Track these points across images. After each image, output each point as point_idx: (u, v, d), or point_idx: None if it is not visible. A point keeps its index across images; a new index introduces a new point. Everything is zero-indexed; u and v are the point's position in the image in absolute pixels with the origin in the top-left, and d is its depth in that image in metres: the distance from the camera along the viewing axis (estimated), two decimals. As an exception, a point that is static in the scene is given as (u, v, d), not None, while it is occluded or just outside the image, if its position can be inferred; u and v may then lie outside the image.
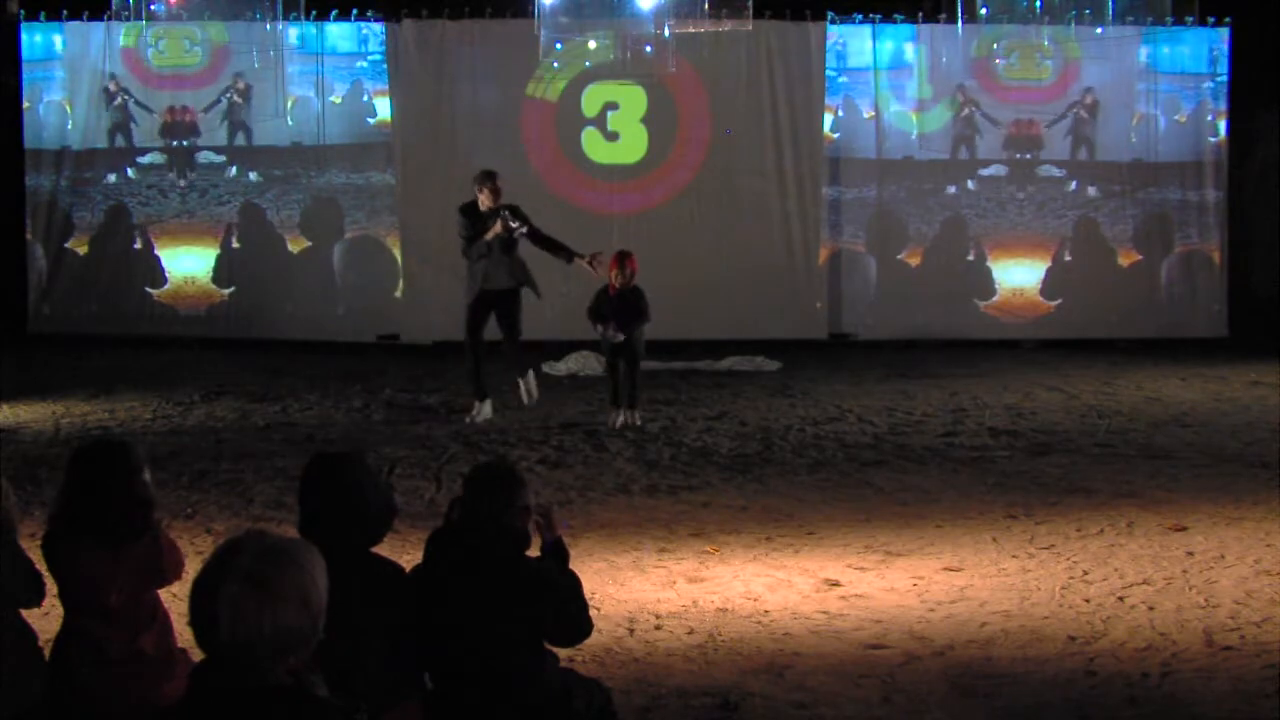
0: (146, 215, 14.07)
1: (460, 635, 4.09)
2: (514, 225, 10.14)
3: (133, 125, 14.00)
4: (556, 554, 4.41)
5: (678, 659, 5.63)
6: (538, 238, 10.36)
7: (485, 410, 10.41)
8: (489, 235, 10.12)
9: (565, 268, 13.51)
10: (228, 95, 13.94)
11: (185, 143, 13.94)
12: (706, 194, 13.85)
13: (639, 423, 10.11)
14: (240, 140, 14.01)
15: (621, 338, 9.96)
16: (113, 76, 13.92)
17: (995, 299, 14.22)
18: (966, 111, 14.06)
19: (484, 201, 10.22)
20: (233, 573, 2.55)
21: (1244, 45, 14.02)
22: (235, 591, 2.53)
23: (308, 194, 14.01)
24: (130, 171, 14.02)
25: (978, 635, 5.89)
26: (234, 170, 13.99)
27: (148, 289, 14.06)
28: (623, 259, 10.10)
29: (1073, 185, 14.21)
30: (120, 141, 14.01)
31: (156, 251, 14.05)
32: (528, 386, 10.58)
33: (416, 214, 13.74)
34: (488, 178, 10.29)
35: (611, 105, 13.83)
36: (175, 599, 4.52)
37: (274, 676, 2.56)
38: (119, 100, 13.95)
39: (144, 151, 14.04)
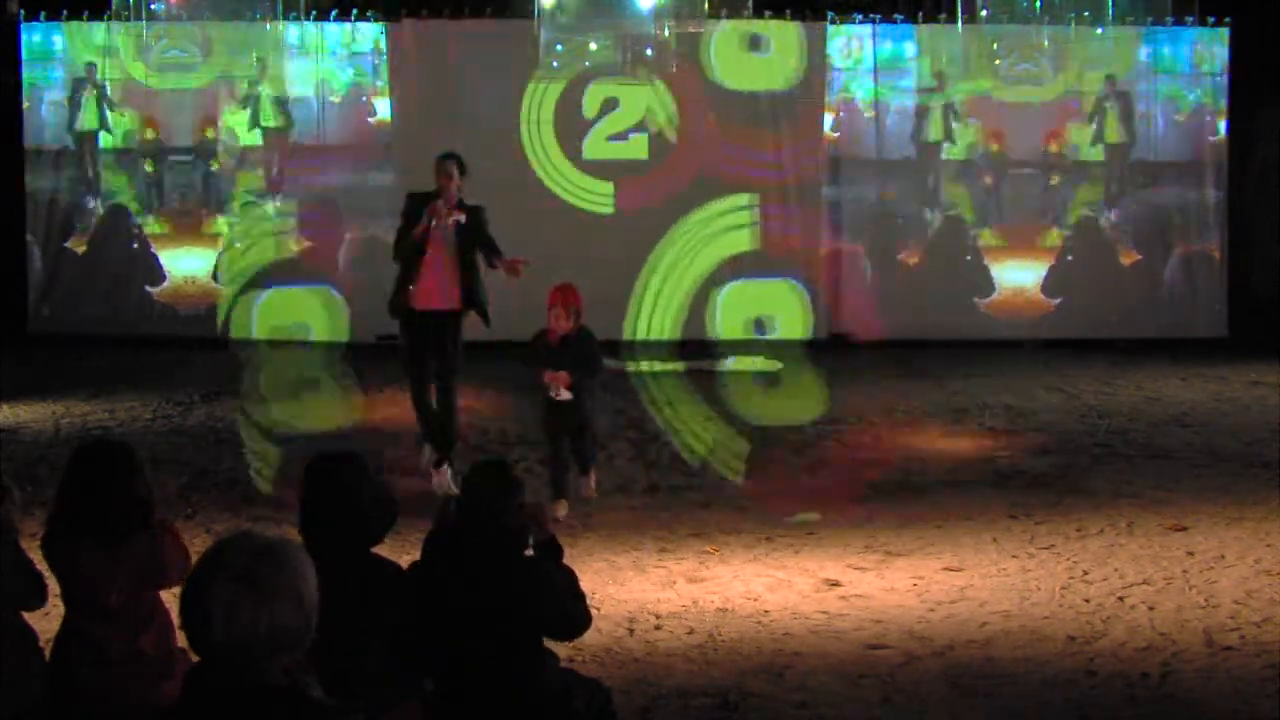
0: (146, 215, 14.05)
1: (460, 635, 4.09)
2: (450, 214, 8.06)
3: (106, 117, 13.96)
4: (550, 551, 4.42)
5: (678, 659, 5.64)
6: (479, 236, 8.21)
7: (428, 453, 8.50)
8: (417, 232, 8.07)
9: (565, 264, 13.50)
10: (256, 85, 13.91)
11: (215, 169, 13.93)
12: (706, 194, 13.83)
13: (596, 492, 8.19)
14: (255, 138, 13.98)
15: (568, 396, 7.86)
16: (89, 64, 13.89)
17: (995, 299, 14.21)
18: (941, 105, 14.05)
19: (443, 189, 8.17)
20: (226, 573, 2.55)
21: (1244, 45, 14.01)
22: (230, 591, 2.52)
23: (308, 194, 13.99)
24: (138, 169, 14.01)
25: (978, 635, 5.89)
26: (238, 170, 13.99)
27: (147, 288, 14.05)
28: (564, 296, 7.87)
29: (1071, 185, 14.20)
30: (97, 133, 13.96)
31: (155, 251, 14.03)
32: (441, 483, 8.19)
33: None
34: (442, 161, 8.24)
35: (611, 105, 13.81)
36: (175, 598, 4.53)
37: (270, 677, 2.56)
38: (89, 90, 13.91)
39: (143, 151, 14.01)
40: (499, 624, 4.09)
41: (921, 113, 14.07)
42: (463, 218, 8.10)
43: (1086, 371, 12.58)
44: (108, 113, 13.95)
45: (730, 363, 12.93)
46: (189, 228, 14.05)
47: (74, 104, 13.92)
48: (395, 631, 4.03)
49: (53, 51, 14.02)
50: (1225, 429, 10.17)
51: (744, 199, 13.85)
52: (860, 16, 13.94)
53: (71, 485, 4.32)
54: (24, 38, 13.94)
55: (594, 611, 4.48)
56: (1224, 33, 14.05)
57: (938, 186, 14.15)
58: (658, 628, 6.00)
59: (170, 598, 4.58)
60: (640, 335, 13.62)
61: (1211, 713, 5.12)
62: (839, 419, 10.45)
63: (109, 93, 13.94)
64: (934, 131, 14.09)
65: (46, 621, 4.59)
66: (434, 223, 8.07)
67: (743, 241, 13.84)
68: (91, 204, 14.06)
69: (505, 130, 13.65)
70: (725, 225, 13.85)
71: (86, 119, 13.94)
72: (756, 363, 12.91)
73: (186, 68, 13.92)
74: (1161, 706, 5.17)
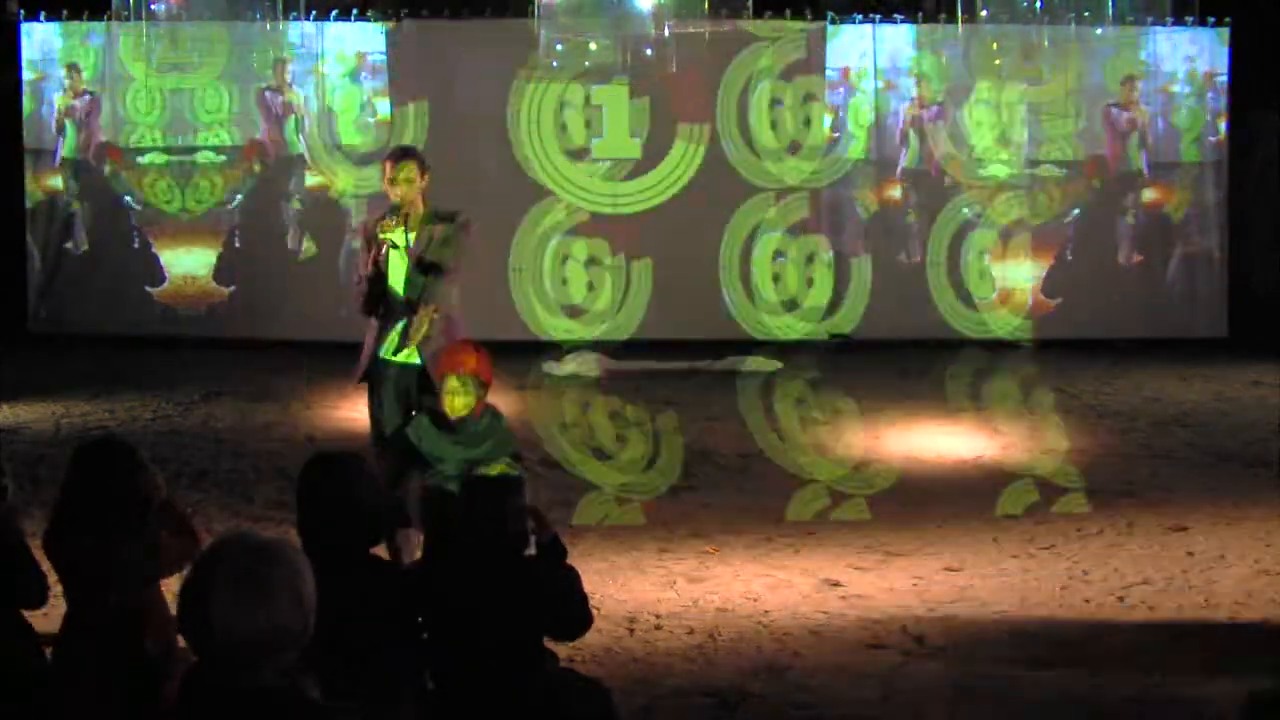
0: (146, 215, 14.05)
1: (460, 635, 4.09)
2: (410, 229, 6.25)
3: (98, 127, 13.97)
4: (553, 551, 4.42)
5: (678, 659, 5.64)
6: (449, 249, 6.35)
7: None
8: (366, 267, 6.36)
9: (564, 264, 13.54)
10: (269, 89, 13.90)
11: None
12: (706, 194, 13.83)
13: None
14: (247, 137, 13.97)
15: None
16: (75, 68, 13.88)
17: (994, 298, 14.19)
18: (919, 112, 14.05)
19: (394, 199, 6.38)
20: (224, 573, 2.55)
21: (1244, 45, 14.01)
22: (229, 591, 2.53)
23: (308, 194, 13.99)
24: (131, 170, 14.01)
25: (978, 635, 5.89)
26: (233, 169, 13.98)
27: (147, 288, 14.04)
28: (456, 362, 5.74)
29: (1071, 184, 14.20)
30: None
31: (156, 251, 14.03)
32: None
33: (416, 214, 13.73)
34: (393, 163, 6.40)
35: (611, 105, 13.80)
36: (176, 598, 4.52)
37: (268, 677, 2.56)
38: (73, 102, 13.90)
39: (143, 151, 14.01)
40: (499, 624, 4.09)
41: (921, 112, 14.06)
42: (433, 232, 6.32)
43: (1086, 371, 12.58)
44: (99, 122, 13.94)
45: (729, 363, 12.91)
46: (190, 228, 14.05)
47: (61, 111, 13.93)
48: (394, 632, 4.03)
49: (53, 51, 14.02)
50: (1225, 429, 10.16)
51: (744, 199, 13.83)
52: (860, 16, 13.93)
53: (72, 483, 4.33)
54: (24, 38, 13.93)
55: (594, 611, 4.48)
56: (1224, 33, 14.04)
57: (936, 186, 14.14)
58: (658, 628, 6.00)
59: (170, 597, 4.59)
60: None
61: (1211, 712, 5.12)
62: (837, 418, 10.47)
63: (105, 91, 13.93)
64: (932, 131, 14.09)
65: (47, 622, 4.59)
66: (389, 247, 6.29)
67: (740, 240, 13.83)
68: (91, 204, 14.05)
69: (505, 130, 13.65)
70: (724, 224, 13.82)
71: (72, 136, 13.94)
72: (756, 362, 12.89)
73: (187, 68, 13.92)
74: (1161, 706, 5.17)
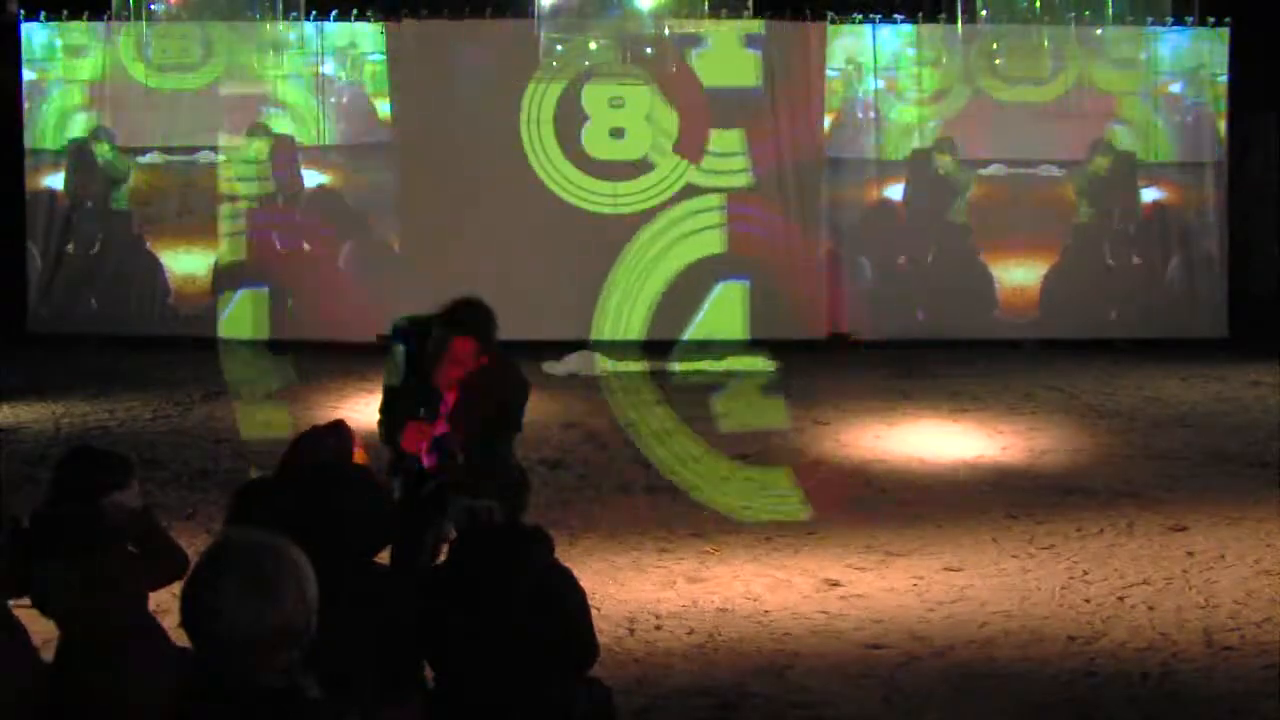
0: (146, 215, 14.05)
1: (480, 637, 4.07)
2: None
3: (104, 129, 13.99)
4: (539, 543, 4.41)
5: (678, 659, 5.64)
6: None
7: None
8: (408, 442, 5.12)
9: (563, 261, 13.52)
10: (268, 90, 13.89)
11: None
12: (706, 194, 13.83)
13: None
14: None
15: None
16: (75, 69, 13.87)
17: (996, 298, 14.20)
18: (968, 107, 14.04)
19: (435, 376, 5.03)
20: (231, 572, 2.55)
21: (1244, 45, 14.01)
22: (234, 589, 2.52)
23: (307, 194, 13.99)
24: (132, 170, 14.01)
25: (978, 635, 5.89)
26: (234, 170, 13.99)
27: (148, 288, 14.03)
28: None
29: (1071, 185, 14.20)
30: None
31: (156, 251, 14.03)
32: None
33: (416, 214, 13.73)
34: (452, 328, 4.92)
35: (611, 105, 13.80)
36: (175, 598, 4.51)
37: (269, 677, 2.56)
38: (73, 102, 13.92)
39: (143, 151, 14.02)
40: (520, 630, 4.09)
41: (921, 112, 14.07)
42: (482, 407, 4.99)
43: (1086, 371, 12.58)
44: (99, 122, 13.94)
45: (729, 363, 12.91)
46: (190, 228, 14.04)
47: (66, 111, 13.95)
48: (393, 632, 4.03)
49: (53, 51, 14.02)
50: (1225, 429, 10.16)
51: (743, 199, 13.83)
52: (860, 16, 13.93)
53: (46, 495, 4.32)
54: (24, 38, 13.93)
55: (594, 612, 4.48)
56: (1224, 33, 14.04)
57: (937, 187, 14.15)
58: (658, 628, 6.00)
59: (170, 598, 4.58)
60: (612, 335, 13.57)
61: (1211, 713, 5.13)
62: (837, 418, 10.46)
63: (105, 91, 13.93)
64: (933, 131, 14.09)
65: (45, 622, 4.58)
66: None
67: (740, 240, 13.84)
68: (91, 204, 14.06)
69: (505, 130, 13.64)
70: (724, 225, 13.83)
71: (72, 136, 13.95)
72: (755, 363, 12.89)
73: (187, 68, 13.92)
74: (1161, 706, 5.17)
